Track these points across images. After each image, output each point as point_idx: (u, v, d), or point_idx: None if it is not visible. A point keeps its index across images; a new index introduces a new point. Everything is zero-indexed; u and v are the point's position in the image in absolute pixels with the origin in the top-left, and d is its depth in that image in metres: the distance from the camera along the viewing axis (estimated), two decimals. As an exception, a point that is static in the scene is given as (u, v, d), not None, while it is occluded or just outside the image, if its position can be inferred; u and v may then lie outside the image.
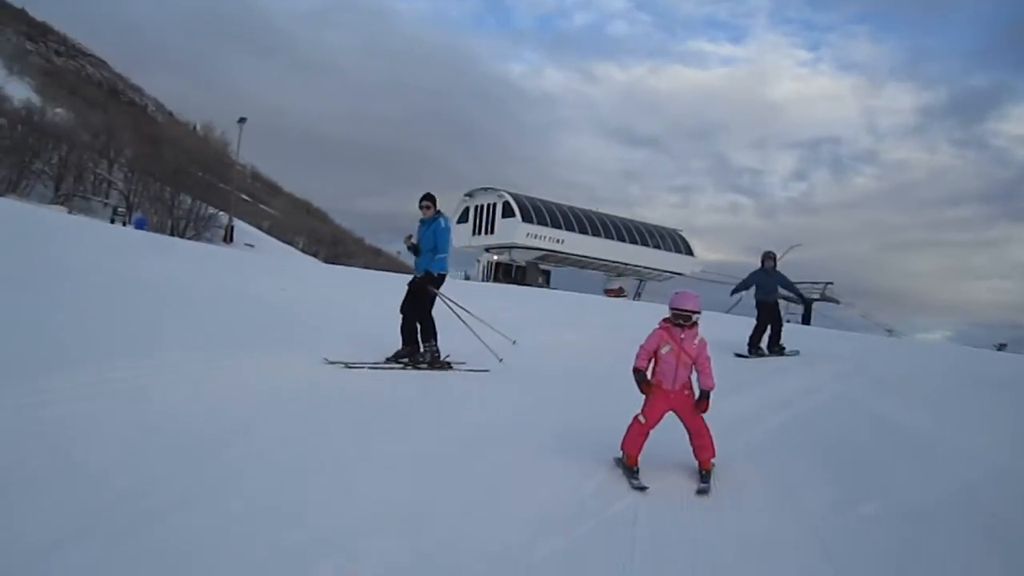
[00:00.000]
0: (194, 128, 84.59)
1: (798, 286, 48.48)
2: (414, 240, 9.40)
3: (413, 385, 8.47)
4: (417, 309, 9.28)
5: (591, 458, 6.17)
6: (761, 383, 10.28)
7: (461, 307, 9.92)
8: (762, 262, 12.79)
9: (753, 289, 12.84)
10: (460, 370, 9.35)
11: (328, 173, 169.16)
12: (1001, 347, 26.14)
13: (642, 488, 5.62)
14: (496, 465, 5.91)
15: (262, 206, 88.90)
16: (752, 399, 9.05)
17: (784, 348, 12.75)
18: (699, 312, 6.00)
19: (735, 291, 13.06)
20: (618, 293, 45.69)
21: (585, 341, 12.96)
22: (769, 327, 12.62)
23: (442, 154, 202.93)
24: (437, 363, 9.24)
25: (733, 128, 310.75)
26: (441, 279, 9.49)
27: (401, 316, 9.43)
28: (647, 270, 50.38)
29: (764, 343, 12.77)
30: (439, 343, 9.38)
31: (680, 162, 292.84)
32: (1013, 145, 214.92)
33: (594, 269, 50.04)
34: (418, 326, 9.31)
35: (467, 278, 45.15)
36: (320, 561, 4.01)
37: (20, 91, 63.79)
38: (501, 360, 9.62)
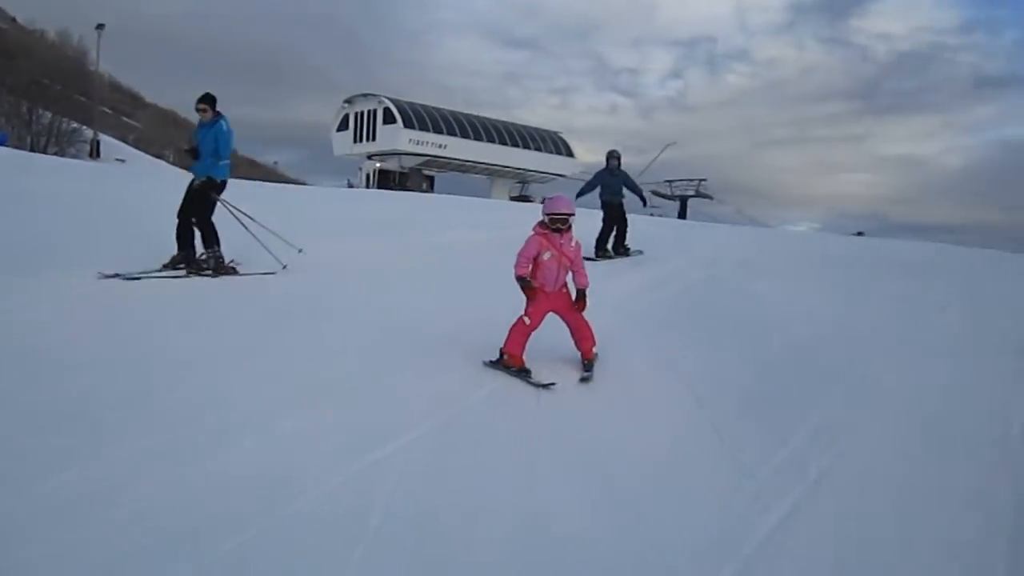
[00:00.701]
0: (41, 35, 78.03)
1: (675, 184, 50.90)
2: (194, 143, 8.79)
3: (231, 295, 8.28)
4: (197, 214, 8.77)
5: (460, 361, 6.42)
6: (638, 267, 11.71)
7: (244, 213, 9.40)
8: (607, 161, 12.24)
9: (599, 190, 12.25)
10: (247, 274, 9.08)
11: (193, 81, 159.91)
12: (859, 234, 28.20)
13: (548, 385, 5.89)
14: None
15: (125, 119, 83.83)
16: (632, 281, 10.30)
17: (629, 249, 12.47)
18: (574, 214, 6.19)
19: (580, 193, 12.02)
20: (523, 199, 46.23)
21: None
22: (615, 228, 12.26)
23: (316, 58, 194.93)
24: (221, 268, 8.89)
25: (612, 27, 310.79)
26: (223, 185, 9.00)
27: (177, 220, 8.87)
28: (530, 172, 51.00)
29: (611, 244, 12.48)
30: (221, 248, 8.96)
31: (559, 63, 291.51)
32: (874, 43, 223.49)
33: (477, 173, 50.33)
34: (198, 232, 8.84)
35: (350, 186, 44.78)
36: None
37: None
38: (285, 266, 9.29)
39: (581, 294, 6.27)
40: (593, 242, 11.99)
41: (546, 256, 6.10)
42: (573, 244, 6.21)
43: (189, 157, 8.88)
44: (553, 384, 5.85)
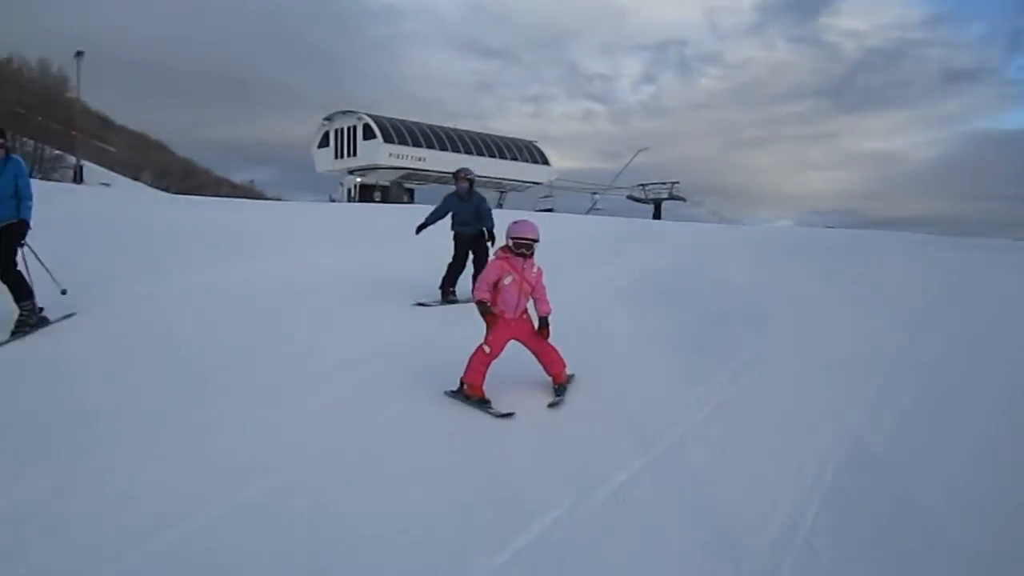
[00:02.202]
0: (22, 64, 78.52)
1: (648, 187, 52.73)
2: None
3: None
4: (3, 265, 7.22)
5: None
6: (615, 256, 13.70)
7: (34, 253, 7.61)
8: (456, 182, 9.59)
9: (449, 218, 9.56)
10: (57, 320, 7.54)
11: (163, 103, 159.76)
12: (828, 228, 30.14)
13: (508, 415, 5.65)
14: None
15: (97, 143, 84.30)
16: (608, 269, 12.15)
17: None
18: (538, 240, 6.06)
19: (422, 226, 9.52)
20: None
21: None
22: (472, 265, 9.47)
23: (283, 76, 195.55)
24: (41, 322, 7.37)
25: (583, 34, 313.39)
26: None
27: None
28: (507, 181, 52.74)
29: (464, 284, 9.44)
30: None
31: (532, 71, 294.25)
32: (844, 39, 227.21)
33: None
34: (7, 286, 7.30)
35: (332, 201, 46.23)
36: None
37: None
38: (64, 291, 7.68)
39: (544, 322, 6.12)
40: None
41: (507, 281, 5.96)
42: (535, 270, 6.11)
43: None
44: (512, 414, 5.64)
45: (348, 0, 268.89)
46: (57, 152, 57.46)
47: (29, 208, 7.26)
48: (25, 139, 57.00)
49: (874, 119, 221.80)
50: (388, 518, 4.09)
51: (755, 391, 6.35)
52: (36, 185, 7.73)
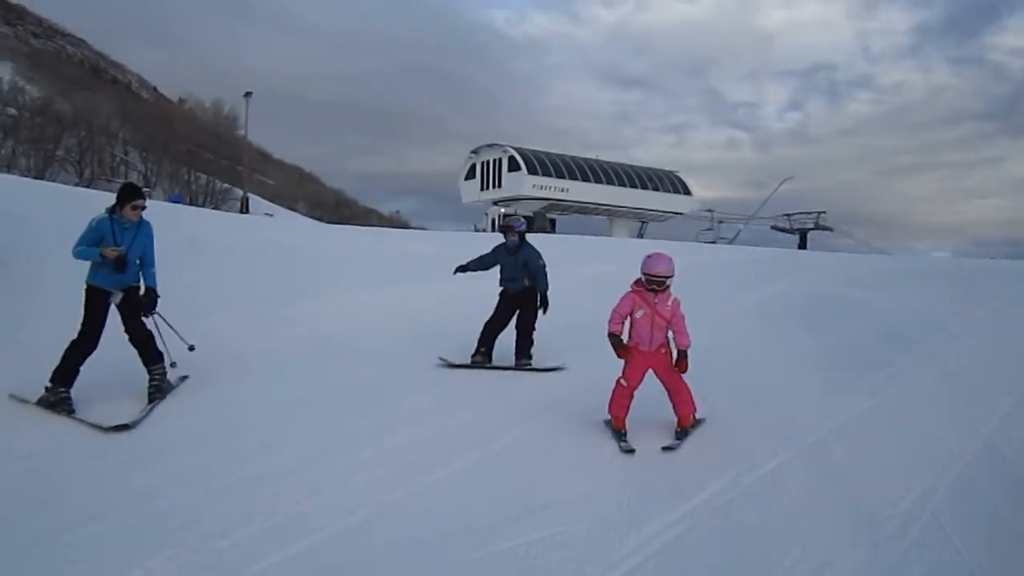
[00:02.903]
0: (183, 104, 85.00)
1: (793, 217, 52.01)
2: (122, 250, 6.45)
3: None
4: (140, 331, 6.76)
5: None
6: (766, 283, 14.41)
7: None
8: (504, 233, 8.48)
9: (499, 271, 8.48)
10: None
11: (314, 136, 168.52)
12: (992, 259, 29.21)
13: (630, 451, 5.71)
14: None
15: (258, 176, 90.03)
16: (757, 294, 12.87)
17: (531, 359, 8.18)
18: (672, 276, 5.95)
19: (461, 268, 8.53)
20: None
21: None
22: (516, 326, 8.27)
23: (429, 109, 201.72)
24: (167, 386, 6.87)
25: (725, 61, 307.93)
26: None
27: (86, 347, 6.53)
28: (648, 212, 53.30)
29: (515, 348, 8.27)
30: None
31: (673, 100, 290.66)
32: (1011, 58, 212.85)
33: (597, 215, 52.97)
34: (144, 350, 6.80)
35: (477, 230, 48.02)
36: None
37: (5, 74, 64.17)
38: (192, 347, 7.04)
39: (683, 354, 6.01)
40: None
41: (639, 314, 5.94)
42: (670, 303, 5.97)
43: (116, 266, 6.45)
44: (633, 451, 5.71)
45: (492, 35, 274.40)
46: (226, 185, 62.70)
47: (154, 275, 6.75)
48: (198, 174, 62.76)
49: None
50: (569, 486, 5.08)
51: (892, 403, 6.96)
52: (218, 216, 8.74)
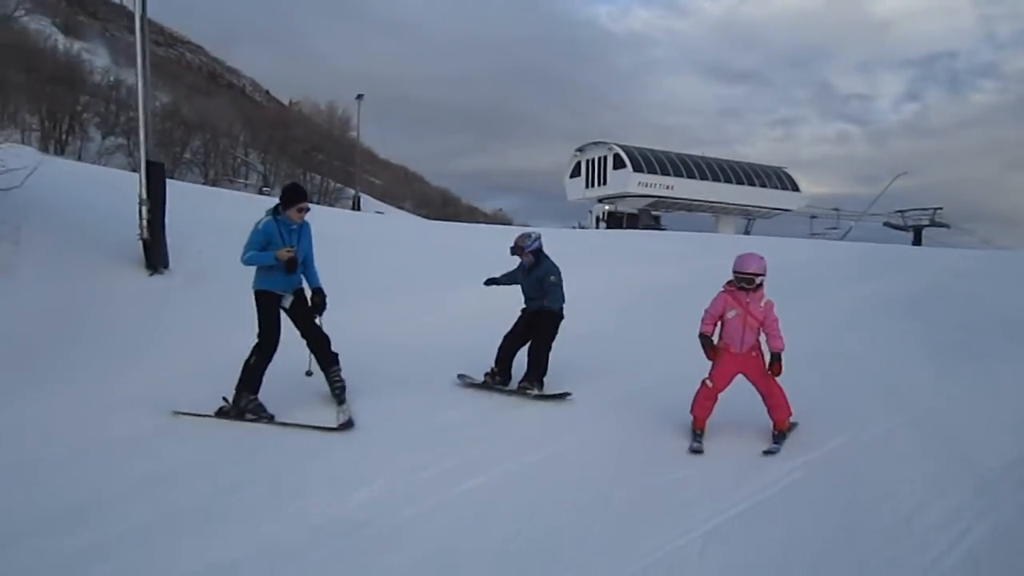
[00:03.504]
0: (295, 106, 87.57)
1: (907, 214, 50.58)
2: (293, 251, 6.31)
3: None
4: (322, 338, 6.71)
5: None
6: (877, 276, 14.96)
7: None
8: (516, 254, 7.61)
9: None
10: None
11: (418, 136, 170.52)
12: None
13: (697, 451, 5.71)
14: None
15: (367, 176, 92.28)
16: (869, 287, 13.49)
17: (542, 386, 7.22)
18: (763, 275, 5.86)
19: (491, 281, 7.92)
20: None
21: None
22: (528, 347, 7.42)
23: (532, 107, 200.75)
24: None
25: (836, 52, 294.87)
26: None
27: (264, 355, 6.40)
28: (755, 208, 52.83)
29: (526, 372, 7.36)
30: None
31: (781, 93, 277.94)
32: None
33: (703, 212, 52.80)
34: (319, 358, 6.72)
35: (581, 227, 48.56)
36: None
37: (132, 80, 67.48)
38: (309, 373, 6.65)
39: (776, 357, 5.90)
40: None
41: (731, 314, 5.87)
42: (763, 304, 5.88)
43: (290, 267, 6.36)
44: (701, 452, 5.72)
45: (595, 31, 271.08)
46: (339, 185, 65.32)
47: (317, 275, 6.67)
48: (313, 174, 65.54)
49: None
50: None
51: (999, 382, 7.48)
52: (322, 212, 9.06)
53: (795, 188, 54.95)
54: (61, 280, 8.42)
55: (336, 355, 6.67)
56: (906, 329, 9.80)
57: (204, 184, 51.20)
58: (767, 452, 5.71)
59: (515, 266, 7.64)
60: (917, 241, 49.38)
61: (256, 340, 6.29)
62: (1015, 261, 18.74)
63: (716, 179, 51.19)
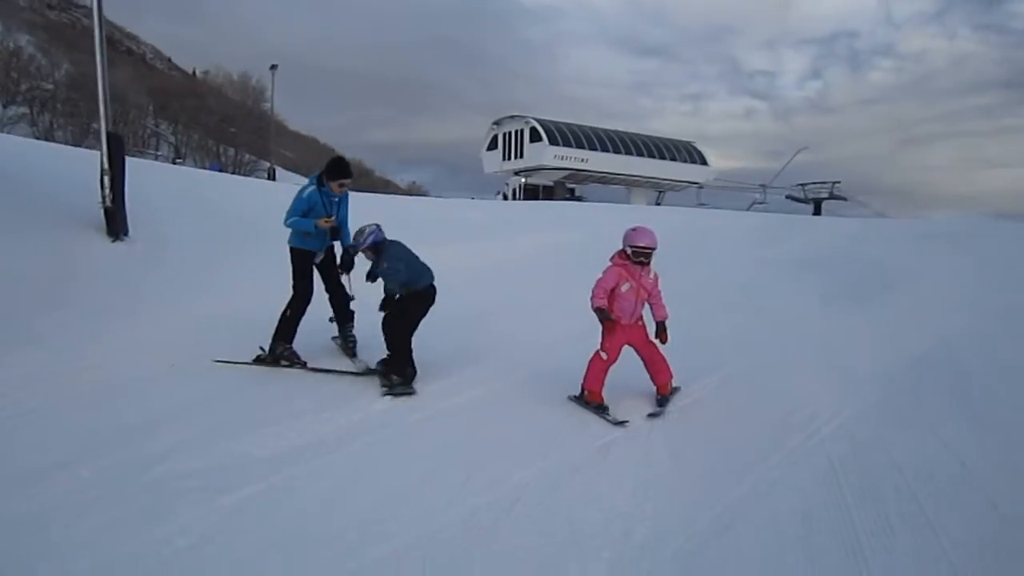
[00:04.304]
0: (200, 74, 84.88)
1: (808, 187, 53.30)
2: (331, 221, 6.81)
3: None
4: (342, 292, 7.26)
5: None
6: (781, 242, 16.73)
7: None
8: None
9: None
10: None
11: (329, 108, 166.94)
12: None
13: (622, 423, 5.67)
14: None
15: (279, 149, 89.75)
16: (772, 252, 15.31)
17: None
18: (655, 248, 5.97)
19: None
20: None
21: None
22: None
23: (444, 79, 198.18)
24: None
25: (744, 29, 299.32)
26: None
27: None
28: (665, 181, 54.72)
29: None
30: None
31: (690, 69, 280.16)
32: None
33: (616, 184, 54.38)
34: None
35: (504, 197, 49.55)
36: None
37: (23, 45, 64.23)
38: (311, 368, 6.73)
39: (661, 326, 6.10)
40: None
41: (624, 288, 5.94)
42: (652, 276, 6.08)
43: (333, 235, 6.96)
44: (627, 422, 5.68)
45: (507, 2, 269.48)
46: (253, 157, 64.59)
47: (350, 235, 6.77)
48: (227, 146, 64.62)
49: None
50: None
51: (875, 317, 9.30)
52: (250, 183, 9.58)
53: (704, 162, 56.89)
54: (27, 248, 8.58)
55: (353, 313, 7.21)
56: (803, 280, 11.56)
57: (116, 155, 50.04)
58: (652, 415, 5.84)
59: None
60: (817, 212, 51.93)
61: (291, 294, 6.82)
62: (902, 227, 20.75)
63: (629, 152, 52.51)
